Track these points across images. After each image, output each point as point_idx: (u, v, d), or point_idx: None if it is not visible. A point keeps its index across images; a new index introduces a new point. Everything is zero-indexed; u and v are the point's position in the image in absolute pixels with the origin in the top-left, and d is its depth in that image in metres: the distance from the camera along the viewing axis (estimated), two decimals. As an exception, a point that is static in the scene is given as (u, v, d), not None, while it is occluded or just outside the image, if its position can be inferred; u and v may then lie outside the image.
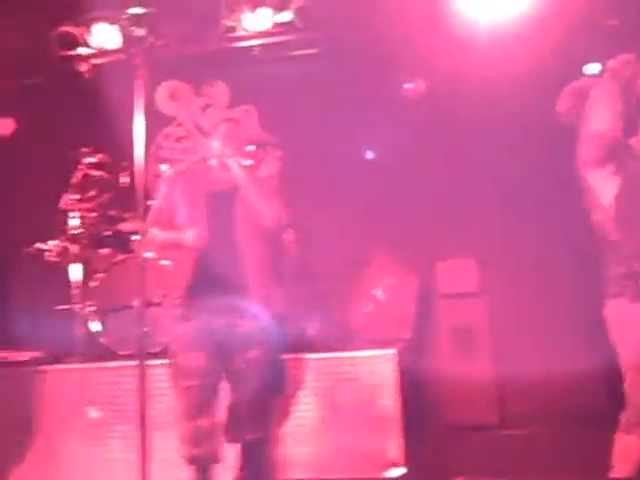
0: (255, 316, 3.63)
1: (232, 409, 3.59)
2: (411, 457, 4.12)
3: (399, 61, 5.89)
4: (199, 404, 3.56)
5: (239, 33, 6.23)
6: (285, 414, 4.28)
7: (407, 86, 6.03)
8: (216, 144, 3.76)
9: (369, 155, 5.88)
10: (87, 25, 6.16)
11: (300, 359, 4.40)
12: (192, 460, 3.56)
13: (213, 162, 3.78)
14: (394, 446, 4.13)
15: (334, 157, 5.81)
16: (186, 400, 3.58)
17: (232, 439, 3.59)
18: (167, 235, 3.79)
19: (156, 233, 3.76)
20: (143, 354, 3.03)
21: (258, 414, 3.57)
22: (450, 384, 4.88)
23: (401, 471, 4.11)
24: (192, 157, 5.29)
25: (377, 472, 4.12)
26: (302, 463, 4.26)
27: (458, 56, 5.51)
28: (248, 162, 3.81)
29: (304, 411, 4.32)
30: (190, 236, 3.64)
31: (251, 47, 6.35)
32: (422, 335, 5.08)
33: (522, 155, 5.45)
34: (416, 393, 4.65)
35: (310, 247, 5.26)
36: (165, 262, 5.03)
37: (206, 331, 3.58)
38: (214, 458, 3.57)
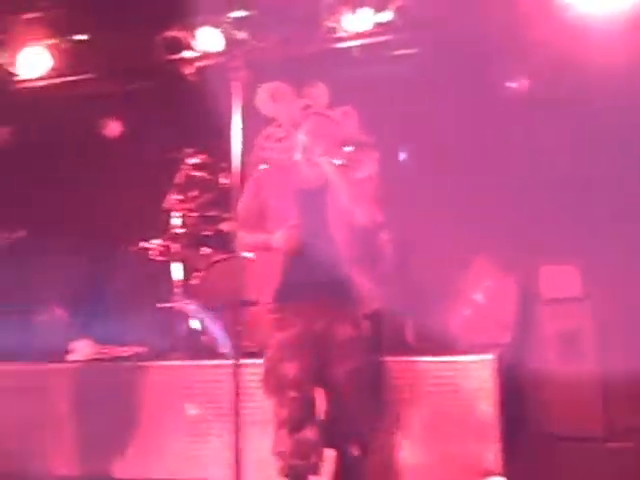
0: (354, 321, 3.58)
1: (333, 422, 3.52)
2: (508, 466, 4.01)
3: (501, 58, 5.76)
4: (302, 416, 3.47)
5: (339, 34, 6.23)
6: (385, 421, 4.19)
7: (510, 84, 5.88)
8: (305, 139, 3.71)
9: (470, 155, 5.75)
10: (191, 29, 6.30)
11: (398, 363, 4.35)
12: (291, 471, 3.48)
13: (299, 157, 3.73)
14: (491, 454, 4.03)
15: (434, 157, 5.73)
16: (288, 412, 3.49)
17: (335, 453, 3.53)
18: (255, 237, 3.73)
19: (244, 235, 3.69)
20: (238, 353, 3.05)
21: (361, 427, 3.51)
22: (552, 392, 4.70)
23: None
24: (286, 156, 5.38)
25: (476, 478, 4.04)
26: (398, 470, 4.21)
27: (562, 52, 5.33)
28: (341, 161, 3.73)
29: (401, 417, 4.27)
30: (279, 237, 3.57)
31: (351, 48, 6.34)
32: (522, 340, 4.93)
33: (632, 154, 5.21)
34: (515, 400, 4.51)
35: (408, 249, 5.19)
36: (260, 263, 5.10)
37: (306, 338, 3.51)
38: (315, 470, 3.50)
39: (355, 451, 3.50)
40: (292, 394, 3.47)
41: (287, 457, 3.48)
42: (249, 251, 3.97)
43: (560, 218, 5.38)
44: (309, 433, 3.47)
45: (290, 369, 3.48)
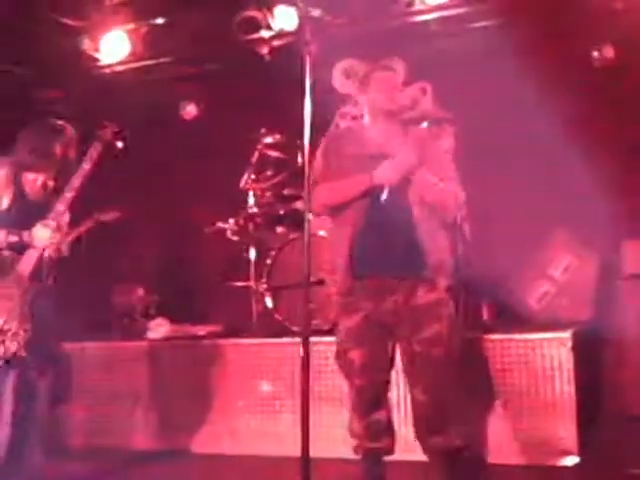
0: (434, 287, 3.36)
1: (418, 407, 3.41)
2: (585, 446, 3.87)
3: (585, 28, 5.53)
4: (374, 400, 3.45)
5: (417, 7, 6.11)
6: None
7: (595, 54, 5.63)
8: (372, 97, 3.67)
9: (550, 128, 5.54)
10: (267, 8, 6.29)
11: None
12: (367, 453, 3.49)
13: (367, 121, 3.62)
14: (568, 433, 3.90)
15: (514, 130, 5.55)
16: (361, 397, 3.46)
17: (424, 444, 3.44)
18: (335, 185, 3.48)
19: (322, 190, 3.46)
20: (308, 331, 3.01)
21: (449, 413, 3.36)
22: (632, 371, 4.49)
23: (575, 460, 3.87)
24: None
25: (550, 460, 3.90)
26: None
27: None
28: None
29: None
30: (384, 168, 3.35)
31: (428, 22, 6.20)
32: (602, 317, 4.73)
33: None
34: (594, 379, 4.35)
35: (486, 224, 5.05)
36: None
37: (375, 321, 3.37)
38: (389, 451, 3.51)
39: (458, 441, 3.37)
40: (358, 381, 3.43)
41: (360, 438, 3.48)
42: (327, 207, 3.61)
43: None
44: (379, 415, 3.45)
45: (356, 356, 3.40)
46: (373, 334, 3.38)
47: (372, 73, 3.83)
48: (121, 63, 6.74)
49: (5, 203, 3.55)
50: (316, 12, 6.11)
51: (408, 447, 3.78)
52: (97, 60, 6.75)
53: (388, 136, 3.54)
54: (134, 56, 6.69)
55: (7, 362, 3.46)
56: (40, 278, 3.59)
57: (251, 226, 5.42)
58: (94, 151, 3.71)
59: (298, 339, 4.49)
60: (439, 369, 3.32)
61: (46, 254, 3.58)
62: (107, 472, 4.53)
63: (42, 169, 3.63)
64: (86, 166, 3.64)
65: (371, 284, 3.38)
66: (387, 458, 3.54)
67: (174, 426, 4.85)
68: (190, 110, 6.85)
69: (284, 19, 6.25)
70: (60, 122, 3.72)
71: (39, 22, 6.17)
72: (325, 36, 5.66)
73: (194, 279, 6.60)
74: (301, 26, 6.15)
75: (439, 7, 6.05)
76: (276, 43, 6.41)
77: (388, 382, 3.52)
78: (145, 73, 6.82)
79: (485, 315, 4.88)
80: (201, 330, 5.31)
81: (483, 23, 5.99)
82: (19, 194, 3.59)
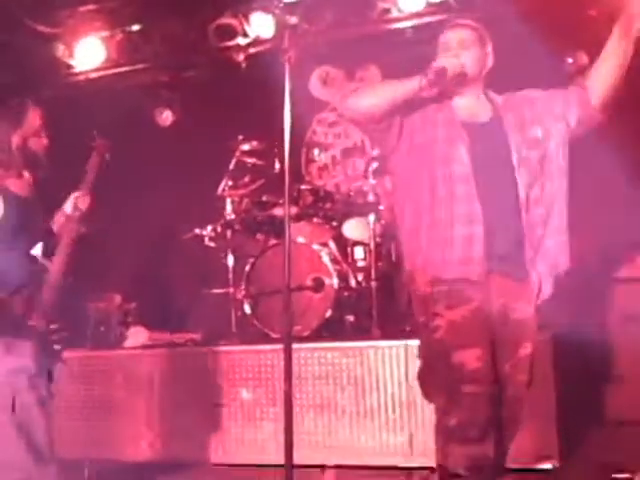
0: (530, 300, 2.90)
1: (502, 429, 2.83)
2: (566, 450, 3.87)
3: (559, 36, 5.58)
4: (483, 419, 2.71)
5: (393, 15, 6.15)
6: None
7: (568, 60, 5.69)
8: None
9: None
10: (244, 15, 6.29)
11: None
12: None
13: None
14: (548, 437, 3.88)
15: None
16: (464, 414, 2.72)
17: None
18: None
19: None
20: (290, 337, 3.01)
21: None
22: (615, 375, 4.51)
23: (554, 464, 3.86)
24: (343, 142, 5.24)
25: (529, 463, 3.91)
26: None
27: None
28: None
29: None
30: None
31: (404, 29, 6.24)
32: (584, 319, 4.72)
33: None
34: (574, 382, 4.36)
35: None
36: (316, 246, 5.08)
37: (485, 317, 2.80)
38: None
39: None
40: (470, 389, 2.71)
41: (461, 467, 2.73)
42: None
43: None
44: (490, 448, 2.72)
45: (469, 357, 2.72)
46: (485, 332, 2.82)
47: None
48: (96, 70, 6.70)
49: None
50: (293, 19, 6.16)
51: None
52: (71, 67, 6.72)
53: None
54: (109, 63, 6.66)
55: None
56: None
57: (229, 233, 5.40)
58: (93, 162, 3.62)
59: (278, 346, 4.54)
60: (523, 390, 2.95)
61: None
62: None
63: None
64: (90, 176, 3.56)
65: (475, 281, 2.89)
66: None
67: (152, 435, 4.80)
68: (166, 117, 6.83)
69: (260, 26, 6.26)
70: (20, 105, 3.40)
71: (13, 28, 6.12)
72: (302, 43, 5.74)
73: (172, 286, 6.57)
74: (278, 33, 6.17)
75: (415, 15, 6.09)
76: (252, 50, 6.42)
77: (498, 399, 2.82)
78: (120, 80, 6.79)
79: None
80: (180, 338, 5.28)
81: (459, 30, 6.03)
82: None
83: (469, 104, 2.97)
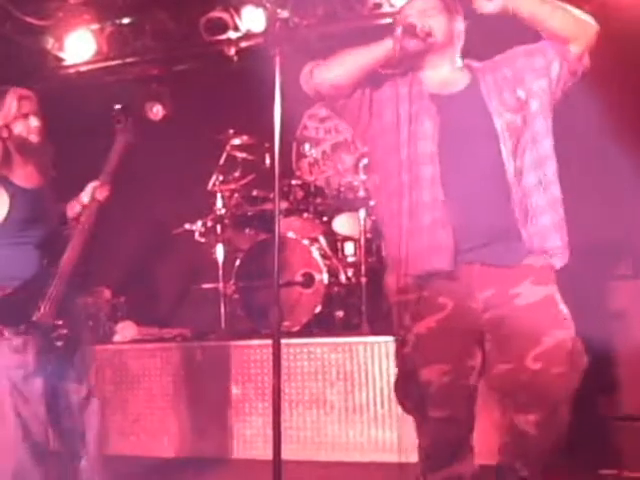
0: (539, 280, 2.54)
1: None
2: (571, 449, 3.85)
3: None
4: (451, 443, 2.58)
5: (385, 9, 6.13)
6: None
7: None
8: None
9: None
10: (234, 9, 6.27)
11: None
12: None
13: None
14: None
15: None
16: (432, 438, 2.61)
17: None
18: None
19: None
20: (278, 333, 2.99)
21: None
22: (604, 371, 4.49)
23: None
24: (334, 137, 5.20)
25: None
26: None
27: (612, 21, 5.11)
28: None
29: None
30: None
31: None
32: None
33: None
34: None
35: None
36: (306, 242, 5.07)
37: (458, 323, 2.52)
38: None
39: None
40: (435, 413, 2.55)
41: None
42: None
43: None
44: (462, 467, 2.59)
45: (435, 374, 2.52)
46: (457, 344, 2.58)
47: None
48: (86, 63, 6.66)
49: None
50: (284, 13, 6.13)
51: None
52: (62, 60, 6.68)
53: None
54: (99, 56, 6.62)
55: None
56: None
57: (219, 228, 5.38)
58: (118, 147, 3.40)
59: (267, 341, 4.52)
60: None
61: None
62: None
63: None
64: (112, 164, 3.38)
65: (453, 276, 2.62)
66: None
67: (140, 429, 4.79)
68: (157, 111, 6.79)
69: (251, 20, 6.23)
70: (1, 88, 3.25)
71: (1, 20, 6.08)
72: (293, 38, 5.71)
73: (161, 281, 6.55)
74: (269, 27, 6.14)
75: (407, 9, 6.07)
76: (243, 44, 6.39)
77: (470, 419, 2.65)
78: (111, 73, 6.76)
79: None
80: (169, 333, 5.27)
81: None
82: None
83: (441, 75, 2.72)
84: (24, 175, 3.24)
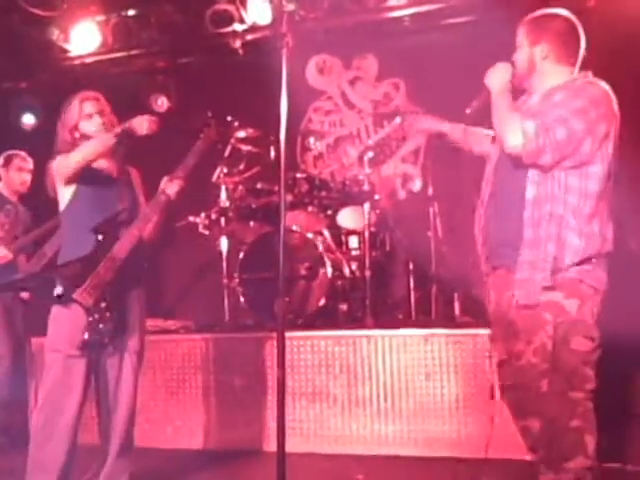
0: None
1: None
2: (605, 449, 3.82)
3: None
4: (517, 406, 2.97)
5: (391, 3, 6.12)
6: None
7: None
8: None
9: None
10: (241, 1, 6.26)
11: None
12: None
13: None
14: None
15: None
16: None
17: None
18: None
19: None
20: (283, 325, 2.99)
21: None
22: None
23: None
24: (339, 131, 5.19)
25: (520, 454, 3.90)
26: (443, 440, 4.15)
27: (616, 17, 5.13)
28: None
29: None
30: None
31: (402, 18, 6.22)
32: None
33: None
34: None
35: (461, 219, 5.05)
36: (311, 235, 5.07)
37: (499, 312, 2.97)
38: None
39: None
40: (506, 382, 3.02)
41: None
42: None
43: None
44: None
45: (497, 352, 3.02)
46: (498, 328, 3.08)
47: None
48: (91, 55, 6.66)
49: None
50: (290, 6, 6.13)
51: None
52: (67, 51, 6.68)
53: None
54: (104, 48, 6.62)
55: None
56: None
57: (223, 220, 5.38)
58: (200, 146, 3.66)
59: (270, 333, 4.54)
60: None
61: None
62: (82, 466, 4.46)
63: None
64: (191, 160, 3.63)
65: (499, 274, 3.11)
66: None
67: (143, 421, 4.79)
68: (161, 103, 6.78)
69: (257, 13, 6.23)
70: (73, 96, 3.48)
71: (8, 11, 6.08)
72: (299, 31, 5.70)
73: (165, 273, 6.54)
74: (275, 20, 6.14)
75: (413, 3, 6.07)
76: (249, 37, 6.39)
77: None
78: (116, 65, 6.75)
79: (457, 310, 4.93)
80: (173, 324, 5.28)
81: (457, 19, 6.02)
82: None
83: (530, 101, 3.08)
84: (111, 163, 3.49)
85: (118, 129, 3.33)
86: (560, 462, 2.79)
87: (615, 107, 2.87)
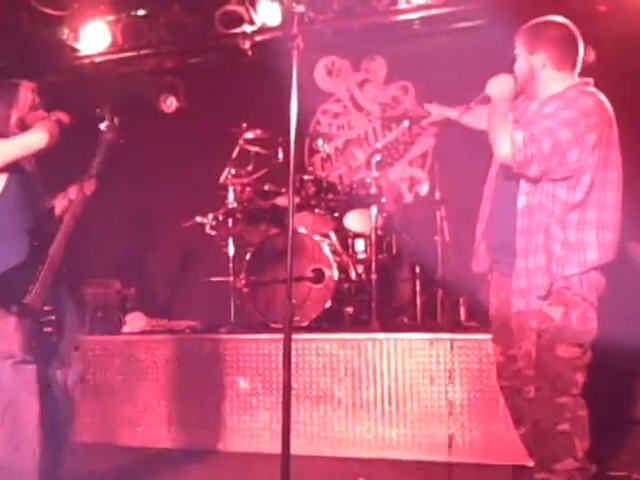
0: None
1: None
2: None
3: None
4: (511, 410, 3.18)
5: (400, 6, 6.12)
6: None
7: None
8: None
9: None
10: (250, 2, 6.27)
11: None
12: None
13: None
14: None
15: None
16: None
17: None
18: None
19: None
20: (289, 327, 2.99)
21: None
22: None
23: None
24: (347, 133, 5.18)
25: (520, 459, 3.89)
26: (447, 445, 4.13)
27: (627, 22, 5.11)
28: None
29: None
30: None
31: (411, 21, 6.21)
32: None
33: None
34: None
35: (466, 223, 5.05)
36: (317, 237, 5.06)
37: (500, 314, 3.08)
38: None
39: None
40: (501, 383, 3.19)
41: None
42: None
43: None
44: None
45: (495, 352, 3.21)
46: (500, 331, 3.20)
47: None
48: (101, 54, 6.68)
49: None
50: (300, 8, 6.12)
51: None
52: (77, 50, 6.70)
53: None
54: (114, 47, 6.64)
55: None
56: None
57: (230, 221, 5.38)
58: (102, 149, 3.58)
59: (276, 335, 4.54)
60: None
61: None
62: (74, 468, 4.47)
63: None
64: (97, 161, 3.56)
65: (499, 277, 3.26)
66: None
67: (149, 421, 4.80)
68: (170, 103, 6.80)
69: (267, 14, 6.24)
70: (14, 81, 3.43)
71: (19, 10, 6.10)
72: (308, 32, 5.71)
73: (172, 273, 6.56)
74: (284, 21, 6.15)
75: (423, 6, 6.06)
76: (258, 38, 6.39)
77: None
78: (125, 65, 6.78)
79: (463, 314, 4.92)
80: (178, 325, 5.28)
81: (467, 23, 6.02)
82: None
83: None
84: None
85: (55, 126, 3.33)
86: (549, 464, 2.83)
87: (611, 114, 2.90)
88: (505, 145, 2.80)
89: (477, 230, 3.20)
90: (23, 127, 3.31)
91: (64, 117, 3.41)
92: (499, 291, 3.08)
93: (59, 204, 3.50)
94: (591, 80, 3.00)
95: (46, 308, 3.22)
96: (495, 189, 3.12)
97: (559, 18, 3.04)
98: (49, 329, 3.23)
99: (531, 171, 2.80)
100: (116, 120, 3.61)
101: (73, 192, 3.49)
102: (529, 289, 2.86)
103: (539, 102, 2.99)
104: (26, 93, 3.37)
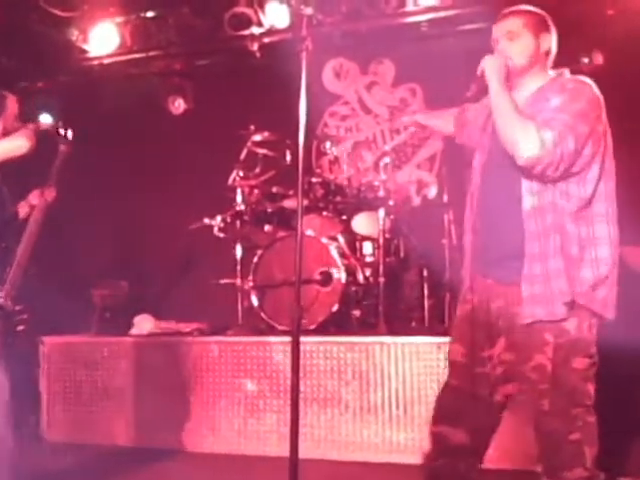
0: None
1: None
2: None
3: (575, 34, 5.54)
4: (449, 409, 2.93)
5: (408, 8, 6.11)
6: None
7: (584, 60, 5.64)
8: None
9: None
10: (259, 5, 6.27)
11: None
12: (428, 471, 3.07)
13: None
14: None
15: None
16: (437, 400, 2.99)
17: None
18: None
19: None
20: (298, 330, 2.99)
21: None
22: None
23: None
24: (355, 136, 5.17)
25: (529, 465, 3.89)
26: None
27: (635, 26, 5.10)
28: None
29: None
30: None
31: (419, 23, 6.21)
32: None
33: None
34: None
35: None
36: (325, 240, 5.06)
37: (479, 316, 2.88)
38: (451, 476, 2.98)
39: None
40: (452, 382, 2.94)
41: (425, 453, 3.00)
42: None
43: None
44: (446, 430, 2.91)
45: (454, 351, 2.93)
46: (473, 330, 2.96)
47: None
48: (110, 56, 6.69)
49: None
50: (308, 10, 6.12)
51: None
52: (85, 52, 6.71)
53: None
54: (123, 49, 6.65)
55: None
56: None
57: (238, 223, 5.38)
58: (61, 155, 3.78)
59: (283, 338, 4.55)
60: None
61: None
62: (88, 468, 4.49)
63: None
64: (55, 172, 3.76)
65: (481, 282, 3.04)
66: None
67: (157, 424, 4.81)
68: (178, 105, 6.81)
69: (275, 16, 6.24)
70: (1, 92, 3.64)
71: (27, 11, 6.12)
72: (316, 35, 5.71)
73: (179, 275, 6.57)
74: (293, 23, 6.15)
75: (431, 9, 6.06)
76: (267, 40, 6.39)
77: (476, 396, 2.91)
78: (134, 66, 6.79)
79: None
80: (186, 327, 5.28)
81: (474, 25, 6.00)
82: None
83: (522, 96, 2.83)
84: None
85: (33, 135, 3.54)
86: (559, 472, 2.76)
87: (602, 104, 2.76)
88: (531, 146, 2.57)
89: (465, 242, 3.01)
90: (6, 135, 3.51)
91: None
92: (491, 299, 2.83)
93: (22, 209, 3.72)
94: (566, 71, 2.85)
95: (18, 307, 3.37)
96: (482, 197, 2.87)
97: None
98: (22, 328, 3.38)
99: (558, 171, 2.61)
100: (69, 133, 3.81)
101: (34, 198, 3.72)
102: (551, 296, 2.67)
103: (530, 93, 2.79)
104: (13, 104, 3.60)
